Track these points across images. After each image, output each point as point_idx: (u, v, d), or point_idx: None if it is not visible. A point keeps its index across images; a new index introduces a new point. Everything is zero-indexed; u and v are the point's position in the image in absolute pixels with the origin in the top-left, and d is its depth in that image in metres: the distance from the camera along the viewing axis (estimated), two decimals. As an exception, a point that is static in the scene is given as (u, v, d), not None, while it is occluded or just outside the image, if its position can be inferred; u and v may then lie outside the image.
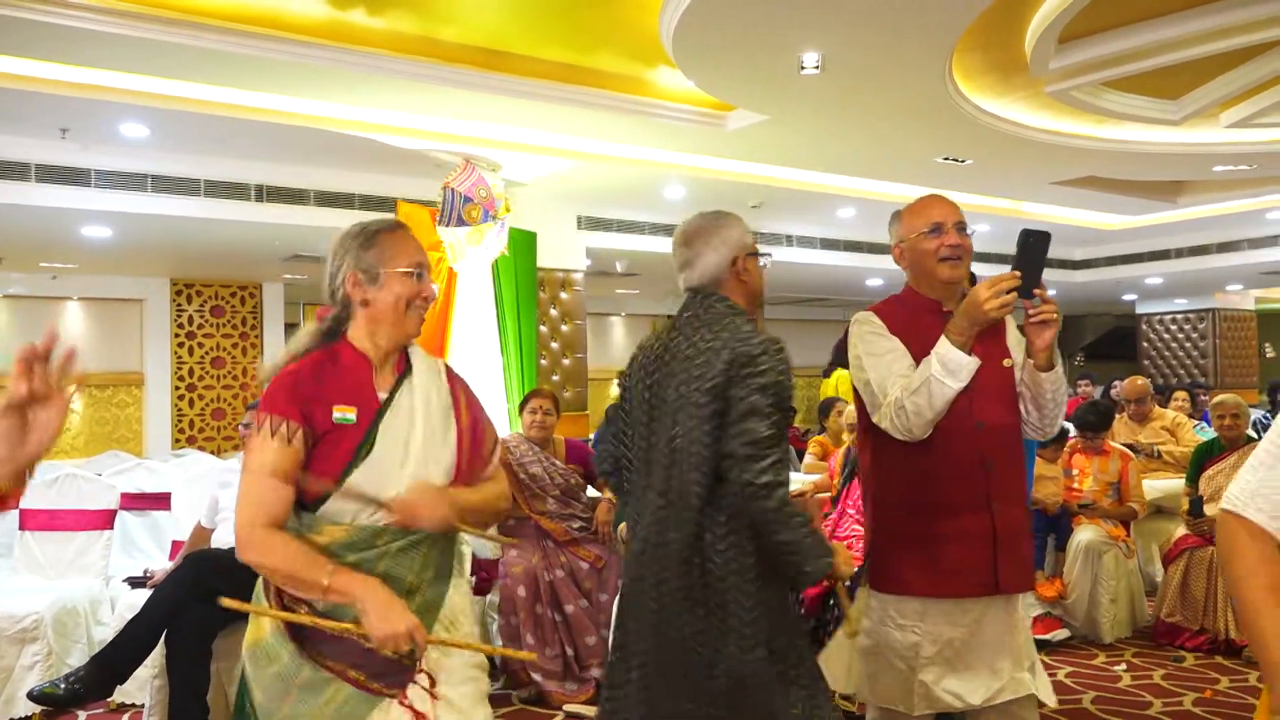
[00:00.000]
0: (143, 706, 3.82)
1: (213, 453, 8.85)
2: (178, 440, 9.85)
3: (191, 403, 10.09)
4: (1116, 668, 4.72)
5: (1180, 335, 13.85)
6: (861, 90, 5.08)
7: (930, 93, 5.10)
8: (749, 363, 2.06)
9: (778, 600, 2.15)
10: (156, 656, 3.52)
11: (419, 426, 1.97)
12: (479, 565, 4.56)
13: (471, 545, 4.40)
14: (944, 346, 2.27)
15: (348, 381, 1.96)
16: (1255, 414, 5.91)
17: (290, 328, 10.67)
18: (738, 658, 2.06)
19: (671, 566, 2.09)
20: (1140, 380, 6.72)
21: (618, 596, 2.33)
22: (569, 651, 4.33)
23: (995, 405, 2.43)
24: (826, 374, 10.00)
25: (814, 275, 10.63)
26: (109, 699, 4.06)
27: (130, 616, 3.57)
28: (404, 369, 2.04)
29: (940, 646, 2.40)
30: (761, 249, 2.34)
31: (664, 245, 8.61)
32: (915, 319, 2.48)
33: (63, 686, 3.34)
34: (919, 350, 2.37)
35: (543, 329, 7.39)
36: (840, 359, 7.16)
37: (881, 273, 10.86)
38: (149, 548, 4.94)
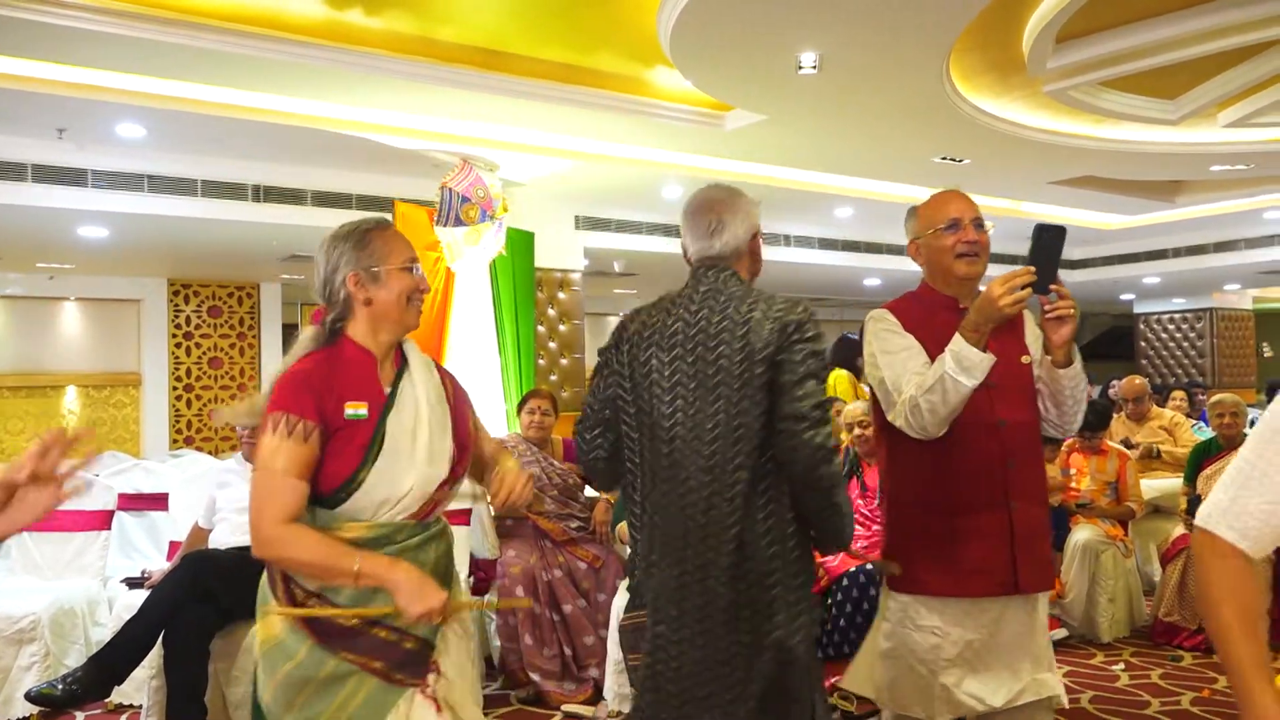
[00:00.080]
0: (140, 707, 3.81)
1: (210, 453, 8.81)
2: (175, 441, 9.84)
3: (189, 403, 10.08)
4: (1114, 667, 4.72)
5: (1178, 335, 13.86)
6: (859, 90, 5.08)
7: (928, 92, 5.10)
8: (798, 329, 2.04)
9: (810, 573, 2.16)
10: (154, 657, 3.51)
11: (424, 418, 2.01)
12: (477, 565, 4.56)
13: (470, 545, 4.40)
14: (958, 343, 2.23)
15: (355, 378, 1.99)
16: (1253, 413, 5.91)
17: (288, 328, 10.67)
18: (785, 627, 2.05)
19: (719, 544, 2.04)
20: (1138, 380, 6.73)
21: (630, 587, 2.24)
22: (567, 651, 4.32)
23: (1015, 402, 2.41)
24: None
25: (812, 275, 10.63)
26: (107, 700, 4.05)
27: (128, 617, 3.57)
28: (401, 363, 2.08)
29: (961, 648, 2.38)
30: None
31: (662, 245, 8.69)
32: (931, 316, 2.45)
33: (60, 687, 3.34)
34: (935, 348, 2.34)
35: (540, 329, 7.39)
36: (838, 359, 7.15)
37: (879, 272, 10.86)
38: (146, 548, 4.93)
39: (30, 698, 3.43)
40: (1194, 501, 5.25)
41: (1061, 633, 5.13)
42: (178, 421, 10.00)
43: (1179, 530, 5.32)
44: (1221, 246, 10.46)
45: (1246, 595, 1.35)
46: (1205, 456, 5.34)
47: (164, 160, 6.15)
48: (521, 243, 6.34)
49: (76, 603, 4.37)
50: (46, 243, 7.50)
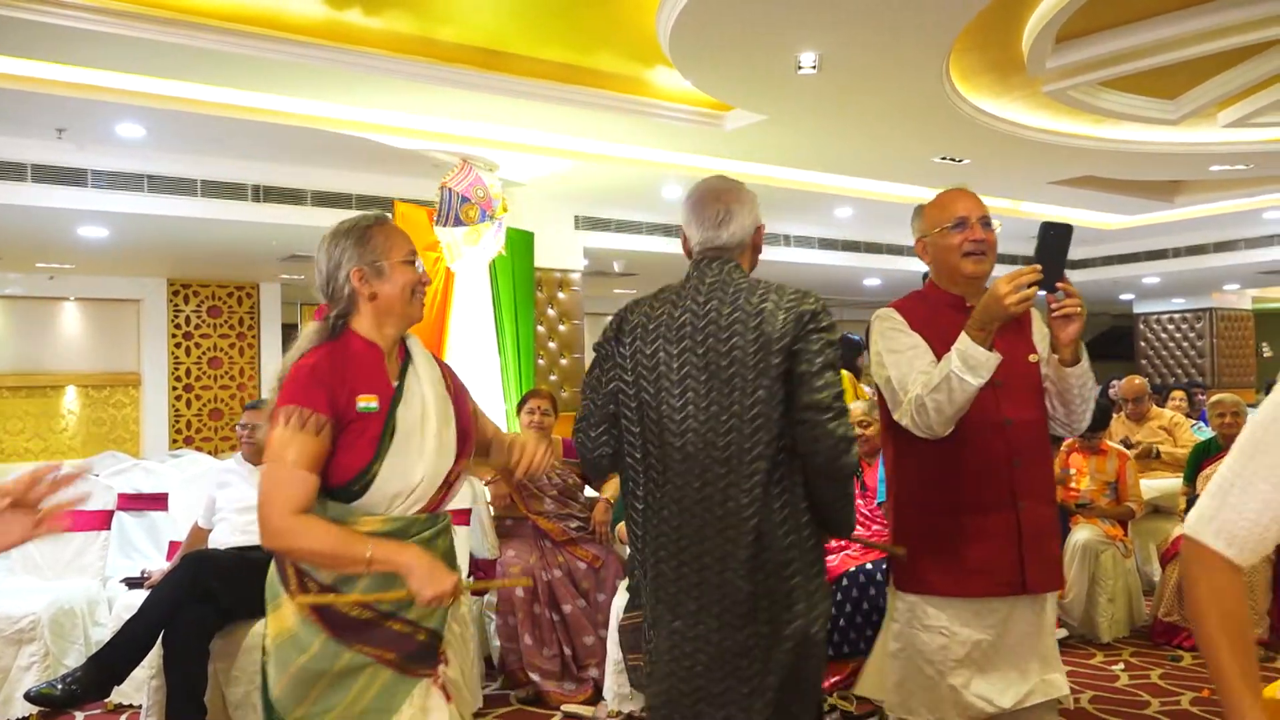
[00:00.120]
0: (140, 707, 3.81)
1: (210, 453, 8.82)
2: (175, 440, 9.84)
3: (189, 403, 10.08)
4: (1114, 667, 4.72)
5: (1177, 335, 13.86)
6: (859, 90, 5.08)
7: (928, 92, 5.10)
8: (813, 319, 2.05)
9: (824, 562, 2.16)
10: (154, 657, 3.51)
11: (431, 410, 2.03)
12: (477, 565, 4.55)
13: (470, 545, 4.39)
14: (964, 342, 2.21)
15: (364, 371, 2.00)
16: (1253, 414, 5.91)
17: (288, 328, 10.67)
18: (806, 616, 2.05)
19: (737, 535, 2.03)
20: (1138, 379, 6.73)
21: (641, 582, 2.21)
22: (567, 651, 4.32)
23: (1022, 401, 2.40)
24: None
25: (811, 275, 10.63)
26: (106, 700, 4.04)
27: (127, 617, 3.57)
28: (405, 357, 2.10)
29: (969, 648, 2.36)
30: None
31: (662, 245, 8.69)
32: (937, 315, 2.45)
33: (60, 687, 3.34)
34: (941, 347, 2.32)
35: (540, 329, 7.39)
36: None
37: (879, 272, 10.86)
38: (146, 548, 4.92)
39: (30, 698, 3.43)
40: (1193, 501, 5.24)
41: (1061, 632, 5.13)
42: (177, 421, 10.00)
43: (1178, 530, 5.29)
44: (1221, 246, 10.47)
45: (1232, 605, 1.33)
46: (1205, 456, 5.34)
47: (164, 160, 6.15)
48: (521, 243, 6.34)
49: (76, 603, 4.37)
50: (46, 243, 7.51)
